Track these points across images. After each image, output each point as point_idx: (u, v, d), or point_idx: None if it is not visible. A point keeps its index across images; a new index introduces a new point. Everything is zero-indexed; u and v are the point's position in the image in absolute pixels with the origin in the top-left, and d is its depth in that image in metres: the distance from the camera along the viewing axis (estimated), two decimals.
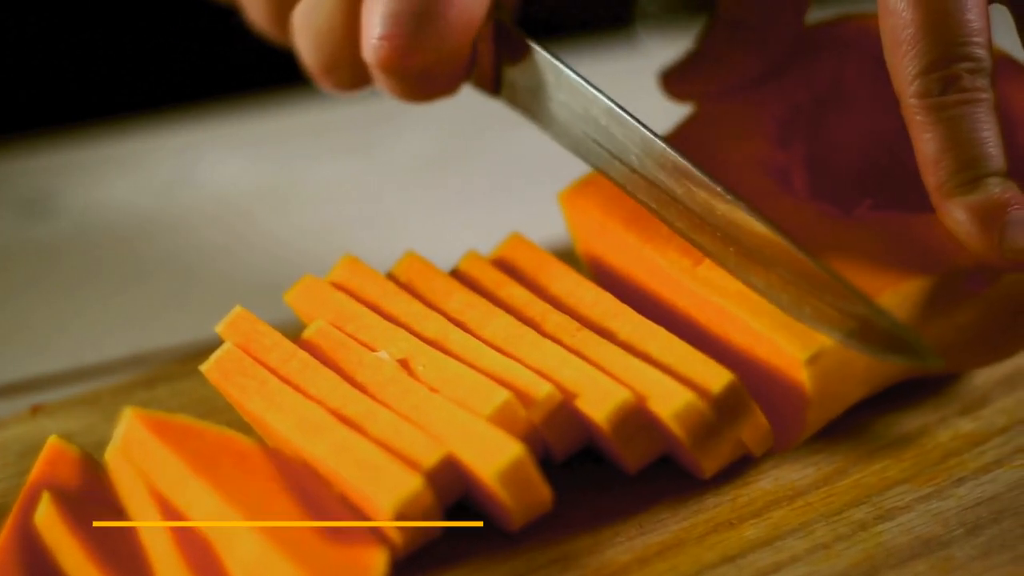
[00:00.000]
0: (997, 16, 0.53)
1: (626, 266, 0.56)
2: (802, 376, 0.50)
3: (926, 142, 0.50)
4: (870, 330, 0.49)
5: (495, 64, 0.57)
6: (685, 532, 0.50)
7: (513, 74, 0.57)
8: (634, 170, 0.54)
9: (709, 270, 0.53)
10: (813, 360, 0.50)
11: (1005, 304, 0.53)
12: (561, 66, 0.55)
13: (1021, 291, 0.53)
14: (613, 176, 0.54)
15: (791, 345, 0.50)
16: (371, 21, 0.54)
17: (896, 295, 0.51)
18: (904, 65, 0.51)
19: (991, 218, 0.50)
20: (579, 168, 0.59)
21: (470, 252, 0.56)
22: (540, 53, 0.55)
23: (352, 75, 0.58)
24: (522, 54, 0.56)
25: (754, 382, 0.51)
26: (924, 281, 0.51)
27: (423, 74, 0.55)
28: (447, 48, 0.54)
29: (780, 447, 0.53)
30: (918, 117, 0.51)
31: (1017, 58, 0.56)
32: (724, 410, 0.50)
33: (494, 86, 0.57)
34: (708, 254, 0.52)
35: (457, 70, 0.56)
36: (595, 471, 0.53)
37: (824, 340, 0.50)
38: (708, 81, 0.59)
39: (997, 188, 0.50)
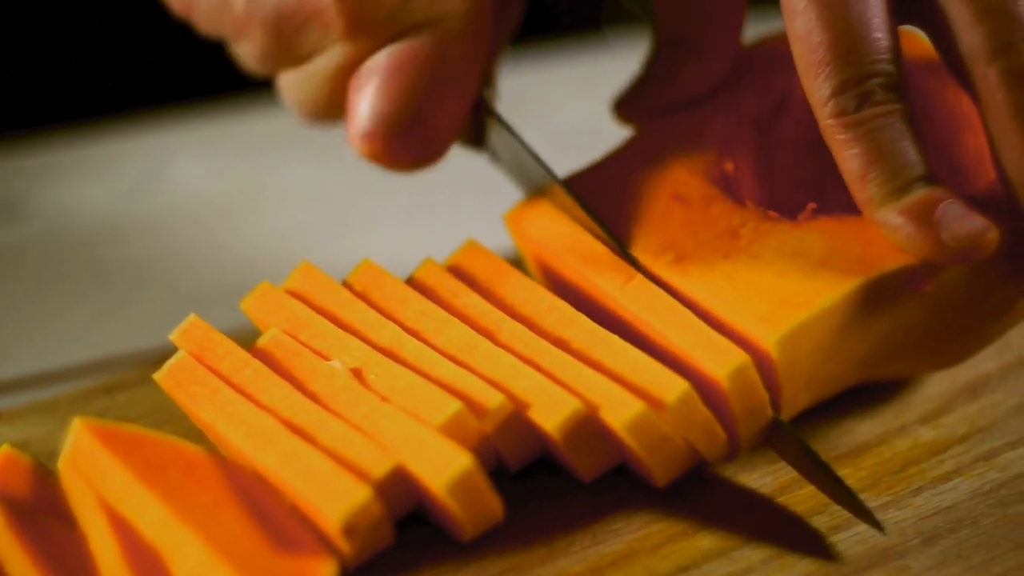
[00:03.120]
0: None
1: (573, 281, 0.56)
2: (725, 390, 0.50)
3: (849, 159, 0.51)
4: None
5: (476, 124, 0.59)
6: (639, 542, 0.50)
7: (494, 141, 0.59)
8: None
9: (639, 287, 0.53)
10: (733, 377, 0.50)
11: (950, 301, 0.53)
12: (526, 155, 0.57)
13: (964, 288, 0.53)
14: None
15: (711, 363, 0.50)
16: (358, 113, 0.56)
17: (836, 295, 0.51)
18: (818, 87, 0.51)
19: (925, 214, 0.50)
20: None
21: (427, 260, 0.56)
22: (514, 137, 0.58)
23: (329, 123, 0.61)
24: (498, 126, 0.58)
25: (700, 391, 0.51)
26: (864, 280, 0.51)
27: (404, 166, 0.57)
28: (431, 150, 0.57)
29: (732, 455, 0.52)
30: (838, 136, 0.51)
31: None
32: (678, 419, 0.50)
33: (475, 141, 0.60)
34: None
35: (439, 157, 0.58)
36: (550, 481, 0.53)
37: (742, 356, 0.50)
38: (656, 101, 0.59)
39: (926, 188, 0.51)
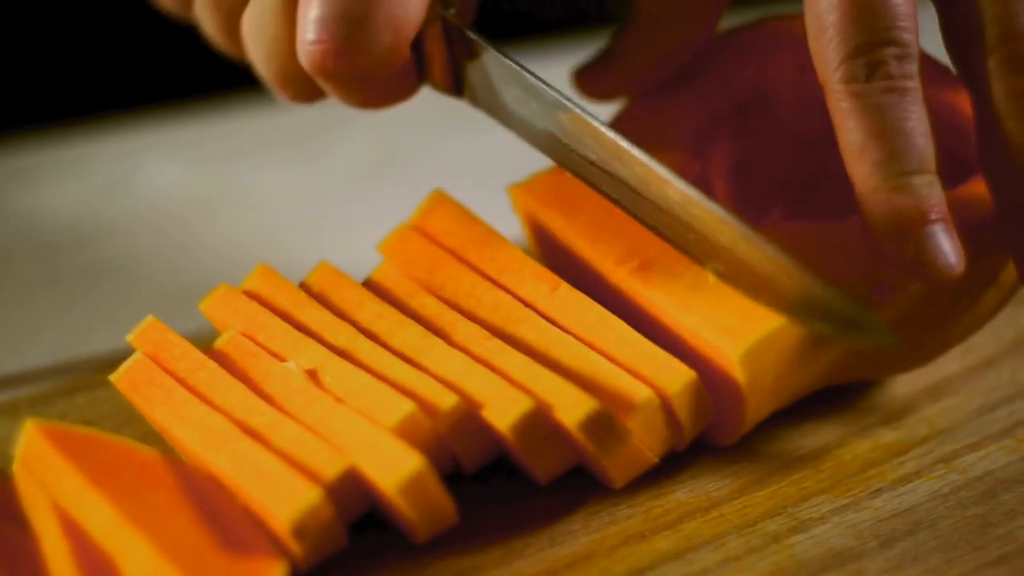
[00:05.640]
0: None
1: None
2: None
3: (851, 130, 0.49)
4: (820, 308, 0.48)
5: (451, 64, 0.56)
6: (596, 544, 0.50)
7: (470, 73, 0.56)
8: (592, 163, 0.53)
9: (566, 295, 0.53)
10: (643, 405, 0.50)
11: (914, 315, 0.52)
12: (510, 63, 0.54)
13: (928, 304, 0.52)
14: (573, 169, 0.54)
15: (634, 386, 0.51)
16: (302, 27, 0.53)
17: None
18: (829, 51, 0.50)
19: (909, 227, 0.49)
20: (511, 177, 0.58)
21: (384, 262, 0.56)
22: (490, 51, 0.54)
23: (306, 85, 0.58)
24: (474, 53, 0.55)
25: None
26: None
27: (361, 78, 0.54)
28: (378, 50, 0.53)
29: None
30: (843, 104, 0.49)
31: (941, 61, 0.56)
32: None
33: (454, 87, 0.56)
34: (670, 241, 0.52)
35: (398, 72, 0.55)
36: (508, 483, 0.52)
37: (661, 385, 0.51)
38: (619, 80, 0.58)
39: (924, 189, 0.49)
